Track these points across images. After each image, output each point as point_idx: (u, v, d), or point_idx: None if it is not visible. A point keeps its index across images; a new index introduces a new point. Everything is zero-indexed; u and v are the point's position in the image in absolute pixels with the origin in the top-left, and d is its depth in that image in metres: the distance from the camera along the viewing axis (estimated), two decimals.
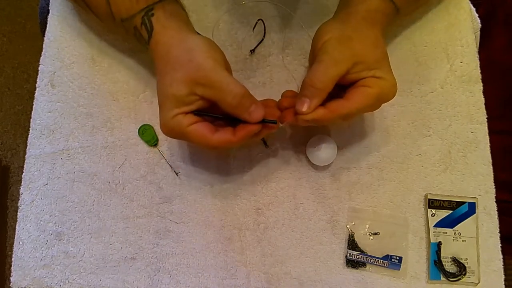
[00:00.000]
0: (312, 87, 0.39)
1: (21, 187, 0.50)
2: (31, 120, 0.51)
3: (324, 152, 0.48)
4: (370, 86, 0.40)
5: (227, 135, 0.40)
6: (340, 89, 0.41)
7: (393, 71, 0.51)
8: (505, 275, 0.48)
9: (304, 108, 0.40)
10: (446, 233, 0.48)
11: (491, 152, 0.50)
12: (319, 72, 0.39)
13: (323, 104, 0.40)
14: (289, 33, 0.53)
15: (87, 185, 0.50)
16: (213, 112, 0.41)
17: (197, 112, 0.40)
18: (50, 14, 0.54)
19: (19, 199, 0.50)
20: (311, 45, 0.44)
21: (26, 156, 0.51)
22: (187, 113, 0.40)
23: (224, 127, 0.41)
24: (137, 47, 0.52)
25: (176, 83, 0.39)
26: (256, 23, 0.53)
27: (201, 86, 0.38)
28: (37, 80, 0.52)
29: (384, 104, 0.42)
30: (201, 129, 0.39)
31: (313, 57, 0.43)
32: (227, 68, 0.43)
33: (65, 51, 0.53)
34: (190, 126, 0.39)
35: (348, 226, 0.49)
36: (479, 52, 0.54)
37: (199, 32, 0.53)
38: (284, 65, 0.52)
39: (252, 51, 0.52)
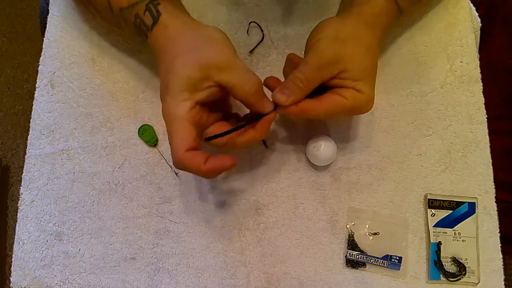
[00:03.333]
0: (294, 85, 0.40)
1: (21, 187, 0.50)
2: (31, 120, 0.51)
3: (324, 152, 0.48)
4: (346, 97, 0.40)
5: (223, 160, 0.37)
6: (321, 86, 0.42)
7: (393, 71, 0.50)
8: (505, 275, 0.48)
9: (282, 99, 0.40)
10: (446, 233, 0.48)
11: (491, 152, 0.50)
12: (303, 74, 0.40)
13: None
14: (289, 33, 0.53)
15: (87, 185, 0.50)
16: (215, 109, 0.41)
17: (208, 138, 0.39)
18: (50, 14, 0.54)
19: (19, 199, 0.50)
20: (309, 35, 0.43)
21: (26, 156, 0.51)
22: (195, 104, 0.37)
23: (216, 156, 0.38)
24: (137, 48, 0.52)
25: (191, 65, 0.37)
26: (249, 25, 0.53)
27: (219, 71, 0.37)
28: (37, 80, 0.52)
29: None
30: (194, 157, 0.37)
31: (306, 49, 0.43)
32: None
33: (65, 51, 0.53)
34: (189, 152, 0.36)
35: (348, 226, 0.49)
36: (479, 52, 0.54)
37: None
38: (284, 65, 0.52)
39: (251, 51, 0.52)
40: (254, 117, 0.41)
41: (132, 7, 0.42)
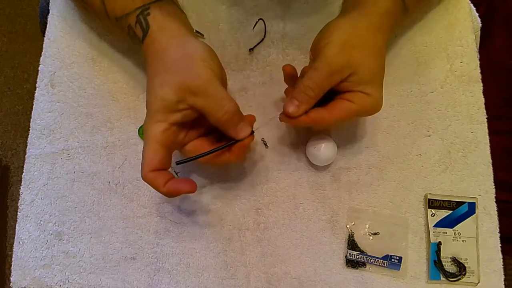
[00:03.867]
0: (305, 95, 0.40)
1: (21, 187, 0.50)
2: (31, 120, 0.51)
3: (324, 152, 0.48)
4: (354, 102, 0.40)
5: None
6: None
7: (393, 71, 0.50)
8: (505, 275, 0.48)
9: (293, 111, 0.40)
10: (446, 233, 0.48)
11: (491, 152, 0.50)
12: (314, 82, 0.39)
13: None
14: (289, 33, 0.53)
15: (87, 185, 0.50)
16: (196, 125, 0.42)
17: (178, 162, 0.41)
18: (50, 14, 0.54)
19: (19, 199, 0.50)
20: (317, 36, 0.43)
21: (26, 156, 0.51)
22: (170, 125, 0.38)
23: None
24: (137, 48, 0.52)
25: (168, 86, 0.38)
26: (257, 22, 0.53)
27: (194, 95, 0.38)
28: (37, 80, 0.52)
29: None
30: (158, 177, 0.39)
31: (315, 50, 0.42)
32: (223, 80, 0.42)
33: (65, 51, 0.53)
34: (151, 172, 0.39)
35: (348, 226, 0.49)
36: (479, 52, 0.54)
37: (199, 31, 0.53)
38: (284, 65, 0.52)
39: (251, 49, 0.52)
40: (231, 141, 0.41)
41: (125, 17, 0.42)
